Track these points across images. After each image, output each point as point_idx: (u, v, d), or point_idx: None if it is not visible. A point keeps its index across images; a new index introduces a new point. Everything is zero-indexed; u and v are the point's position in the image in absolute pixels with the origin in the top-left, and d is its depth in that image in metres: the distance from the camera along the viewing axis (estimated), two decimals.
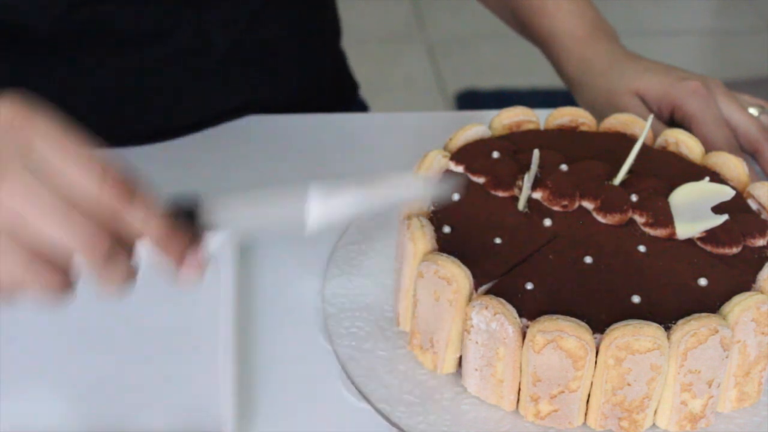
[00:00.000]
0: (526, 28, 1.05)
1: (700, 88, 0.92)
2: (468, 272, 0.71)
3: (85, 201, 0.59)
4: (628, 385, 0.69)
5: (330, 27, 1.16)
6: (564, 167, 0.80)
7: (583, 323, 0.68)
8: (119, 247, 0.60)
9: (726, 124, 0.92)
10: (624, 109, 0.94)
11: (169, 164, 0.96)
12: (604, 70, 0.97)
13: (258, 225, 0.65)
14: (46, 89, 0.95)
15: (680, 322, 0.69)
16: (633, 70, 0.96)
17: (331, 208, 0.64)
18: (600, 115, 0.89)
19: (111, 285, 0.61)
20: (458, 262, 0.71)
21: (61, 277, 0.61)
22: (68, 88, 0.96)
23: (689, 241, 0.76)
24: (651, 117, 0.82)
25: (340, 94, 1.19)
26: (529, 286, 0.72)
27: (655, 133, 0.86)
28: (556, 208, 0.78)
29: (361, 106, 1.24)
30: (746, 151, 0.93)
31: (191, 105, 1.01)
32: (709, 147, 0.87)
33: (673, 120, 0.95)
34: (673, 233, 0.76)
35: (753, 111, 0.95)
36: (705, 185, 0.78)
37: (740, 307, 0.69)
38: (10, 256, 0.59)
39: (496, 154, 0.81)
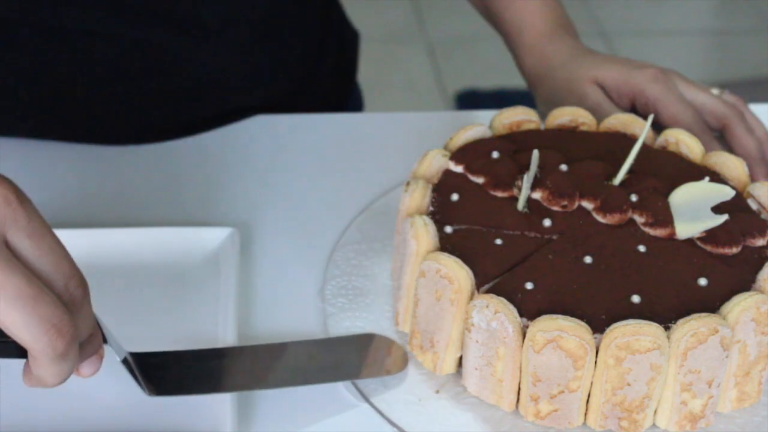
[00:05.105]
0: (492, 18, 1.07)
1: (658, 74, 0.94)
2: (470, 272, 0.71)
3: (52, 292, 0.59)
4: (628, 384, 0.69)
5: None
6: (564, 167, 0.80)
7: (583, 323, 0.68)
8: (74, 342, 0.60)
9: (690, 105, 0.93)
10: (583, 97, 0.94)
11: (175, 164, 0.96)
12: (563, 62, 0.98)
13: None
14: (41, 80, 0.96)
15: (680, 321, 0.69)
16: (592, 61, 0.97)
17: None
18: (559, 106, 0.89)
19: (55, 378, 0.60)
20: (460, 261, 0.71)
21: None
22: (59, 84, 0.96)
23: (689, 241, 0.76)
24: (651, 117, 0.83)
25: (341, 69, 1.19)
26: (529, 286, 0.72)
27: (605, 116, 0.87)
28: (555, 208, 0.78)
29: (357, 94, 1.24)
30: (714, 128, 0.94)
31: (191, 85, 1.00)
32: (677, 126, 0.88)
33: (634, 109, 0.95)
34: (673, 233, 0.76)
35: (714, 92, 0.96)
36: (705, 185, 0.78)
37: (740, 307, 0.69)
38: None
39: (495, 154, 0.81)
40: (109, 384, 0.74)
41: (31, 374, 0.61)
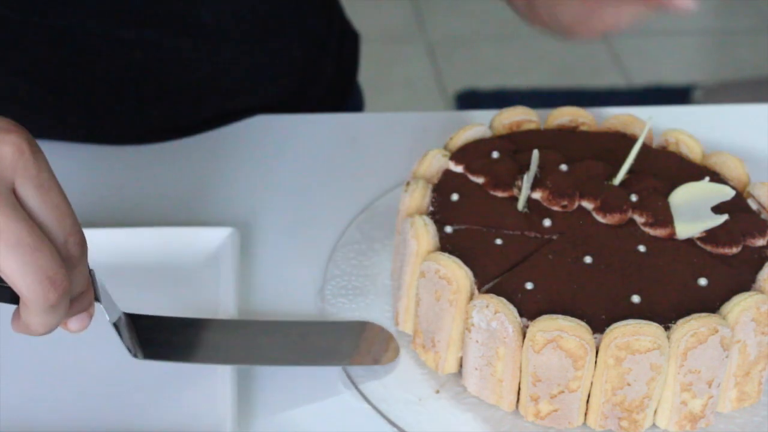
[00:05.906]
0: None
1: None
2: (469, 272, 0.71)
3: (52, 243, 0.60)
4: (628, 384, 0.69)
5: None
6: (564, 167, 0.80)
7: (583, 323, 0.68)
8: (66, 296, 0.60)
9: None
10: None
11: (175, 164, 0.96)
12: None
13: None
14: (41, 80, 0.96)
15: (680, 321, 0.69)
16: None
17: None
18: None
19: (42, 327, 0.61)
20: (459, 262, 0.71)
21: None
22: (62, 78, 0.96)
23: (689, 241, 0.76)
24: (651, 117, 0.83)
25: (341, 69, 1.19)
26: (529, 285, 0.72)
27: None
28: (555, 208, 0.78)
29: (357, 94, 1.24)
30: None
31: (191, 85, 1.00)
32: None
33: None
34: (673, 233, 0.76)
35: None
36: (705, 185, 0.78)
37: (740, 307, 0.70)
38: None
39: (495, 154, 0.81)
40: (109, 383, 0.74)
41: (20, 320, 0.62)
